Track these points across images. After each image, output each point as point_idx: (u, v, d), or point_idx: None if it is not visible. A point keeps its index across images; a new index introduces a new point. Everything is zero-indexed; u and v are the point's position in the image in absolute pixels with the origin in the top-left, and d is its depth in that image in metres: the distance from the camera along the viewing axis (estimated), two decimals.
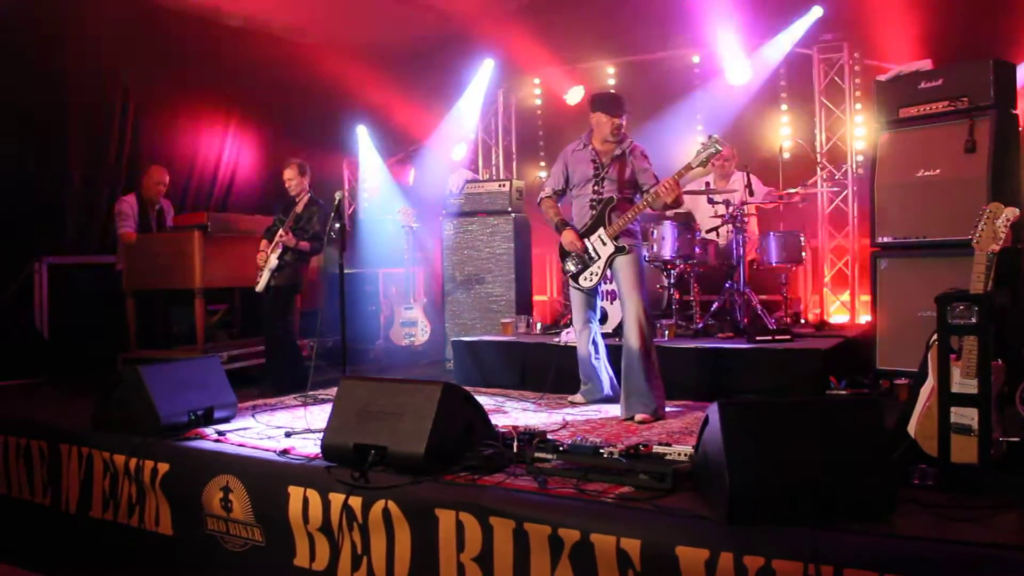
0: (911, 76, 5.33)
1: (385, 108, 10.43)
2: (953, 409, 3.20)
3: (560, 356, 6.08)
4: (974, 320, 3.18)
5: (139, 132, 8.63)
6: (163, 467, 4.26)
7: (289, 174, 6.53)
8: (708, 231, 7.17)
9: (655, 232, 6.75)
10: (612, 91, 5.56)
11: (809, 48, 8.36)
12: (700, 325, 6.63)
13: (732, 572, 2.70)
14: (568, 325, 6.54)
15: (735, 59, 8.62)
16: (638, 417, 4.86)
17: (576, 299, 5.41)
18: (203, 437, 4.50)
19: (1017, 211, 3.32)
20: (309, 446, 4.16)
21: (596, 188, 5.18)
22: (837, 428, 2.97)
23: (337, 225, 6.04)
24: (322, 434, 3.90)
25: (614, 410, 5.10)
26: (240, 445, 4.32)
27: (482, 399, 4.32)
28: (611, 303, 6.34)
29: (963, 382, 3.19)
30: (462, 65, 10.04)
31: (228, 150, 9.72)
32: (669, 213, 6.96)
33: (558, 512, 3.10)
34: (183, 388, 4.73)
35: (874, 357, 5.38)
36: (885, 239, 5.35)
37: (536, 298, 8.82)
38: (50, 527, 4.81)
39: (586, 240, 5.18)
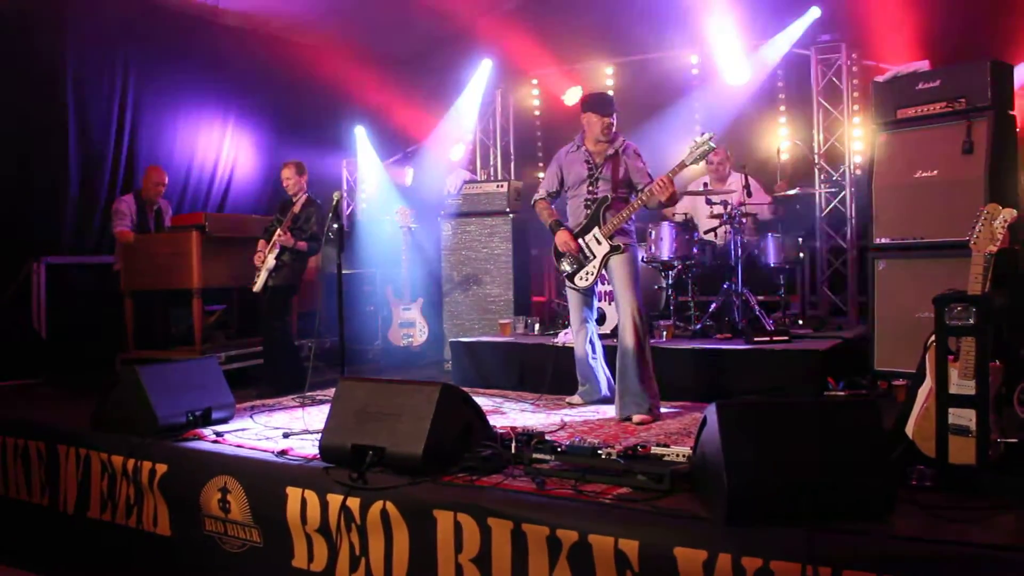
0: (909, 77, 5.33)
1: (383, 108, 10.44)
2: (951, 410, 3.20)
3: (558, 357, 6.08)
4: (972, 321, 3.18)
5: (137, 131, 8.62)
6: (161, 468, 4.25)
7: (287, 173, 6.53)
8: (706, 232, 7.17)
9: (653, 233, 6.75)
10: (602, 91, 5.56)
11: (807, 49, 8.36)
12: (698, 326, 6.63)
13: (730, 573, 2.70)
14: (566, 326, 6.54)
15: (733, 60, 8.62)
16: (636, 418, 4.86)
17: (573, 300, 5.41)
18: (201, 438, 4.49)
19: (1015, 212, 3.32)
20: (307, 447, 4.17)
21: (590, 188, 5.18)
22: (835, 429, 2.97)
23: (335, 225, 6.04)
24: (320, 435, 3.91)
25: (612, 411, 5.10)
26: (238, 446, 4.32)
27: (480, 400, 4.32)
28: (609, 304, 6.34)
29: (961, 383, 3.19)
30: (460, 66, 10.03)
31: (226, 150, 9.71)
32: (668, 213, 6.97)
33: (556, 513, 3.10)
34: (181, 389, 4.73)
35: (872, 358, 5.38)
36: (883, 240, 5.35)
37: (534, 299, 8.82)
38: (48, 528, 4.81)
39: (581, 240, 5.18)
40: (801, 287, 7.84)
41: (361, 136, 10.55)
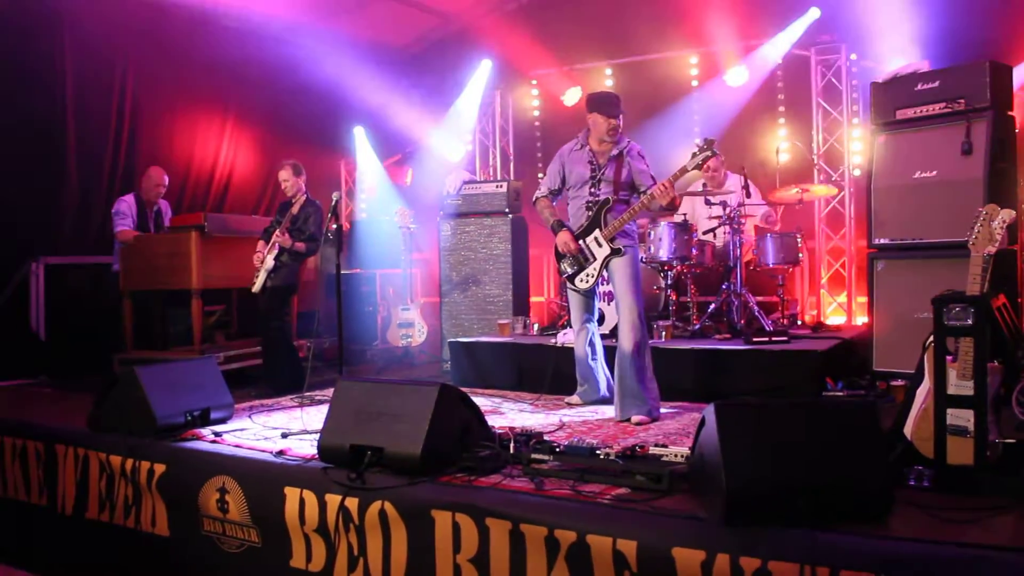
0: (908, 78, 5.33)
1: (383, 109, 10.43)
2: (949, 411, 3.20)
3: (557, 357, 6.07)
4: (970, 322, 3.18)
5: (136, 132, 8.62)
6: (159, 468, 4.25)
7: (284, 175, 6.53)
8: (705, 232, 7.17)
9: (652, 233, 6.75)
10: (609, 91, 5.55)
11: (806, 50, 8.37)
12: (697, 326, 6.63)
13: (728, 573, 2.70)
14: (565, 326, 6.54)
15: (732, 60, 8.63)
16: (635, 419, 4.85)
17: (574, 300, 5.41)
18: (200, 438, 4.49)
19: (1013, 213, 3.32)
20: (306, 447, 4.16)
21: (592, 190, 5.17)
22: (834, 429, 2.98)
23: (334, 226, 6.04)
24: (319, 435, 3.90)
25: (611, 411, 5.10)
26: (237, 446, 4.32)
27: (479, 400, 4.33)
28: (608, 304, 6.34)
29: (959, 384, 3.19)
30: (459, 66, 10.05)
31: (225, 150, 9.71)
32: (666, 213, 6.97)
33: (554, 513, 3.10)
34: (180, 389, 4.72)
35: (871, 358, 5.39)
36: (882, 241, 5.36)
37: (533, 299, 8.83)
38: (46, 528, 4.81)
39: (582, 241, 5.17)
40: (800, 287, 7.85)
41: (360, 136, 10.57)
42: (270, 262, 6.34)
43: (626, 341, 4.97)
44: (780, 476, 2.86)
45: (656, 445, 3.60)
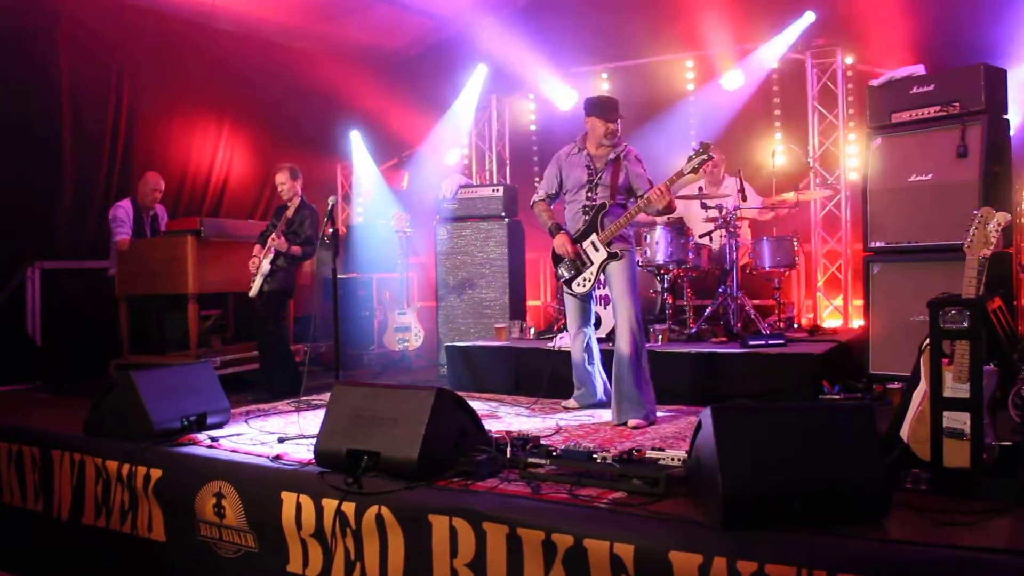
0: (903, 81, 5.35)
1: (379, 113, 10.44)
2: (945, 413, 3.20)
3: (554, 361, 6.08)
4: (966, 324, 3.19)
5: (132, 136, 8.61)
6: (156, 473, 4.24)
7: (281, 178, 6.52)
8: (701, 236, 7.18)
9: (648, 237, 6.76)
10: (606, 95, 5.56)
11: (802, 53, 8.38)
12: (694, 330, 6.63)
13: None
14: (562, 330, 6.54)
15: (728, 64, 8.64)
16: (631, 422, 4.85)
17: (570, 304, 5.41)
18: (196, 443, 4.49)
19: (1008, 216, 3.34)
20: (302, 452, 4.16)
21: (589, 194, 5.17)
22: (830, 432, 2.98)
23: (331, 230, 6.03)
24: (315, 440, 3.90)
25: (608, 415, 5.10)
26: (233, 451, 4.31)
27: (475, 404, 4.32)
28: (605, 308, 6.34)
29: (955, 386, 3.20)
30: (455, 70, 10.05)
31: (221, 154, 9.70)
32: (661, 218, 6.97)
33: (551, 517, 3.10)
34: (176, 394, 4.72)
35: (867, 361, 5.39)
36: (878, 244, 5.37)
37: (530, 303, 8.82)
38: (42, 534, 4.80)
39: (579, 245, 5.17)
40: (796, 291, 7.86)
41: (356, 141, 10.56)
42: (266, 266, 6.33)
43: (623, 345, 4.97)
44: (777, 479, 2.86)
45: (653, 449, 3.60)
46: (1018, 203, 6.11)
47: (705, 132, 8.66)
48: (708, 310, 6.80)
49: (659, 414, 5.07)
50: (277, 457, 4.08)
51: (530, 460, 3.59)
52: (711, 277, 7.15)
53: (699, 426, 3.19)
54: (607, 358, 5.34)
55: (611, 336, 5.32)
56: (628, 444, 4.27)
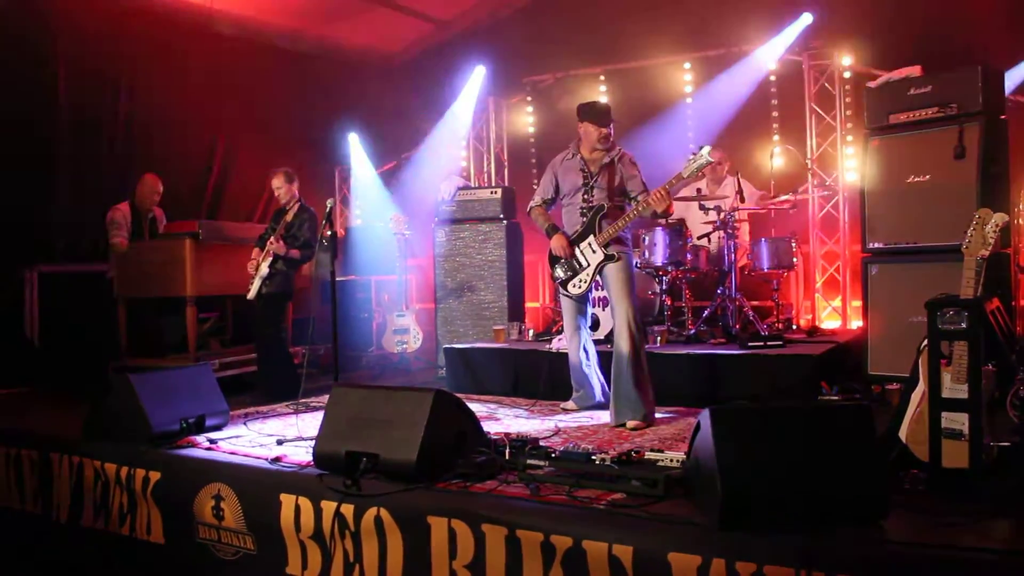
0: (901, 82, 5.35)
1: (377, 116, 10.45)
2: (944, 414, 3.21)
3: (552, 363, 6.08)
4: (964, 325, 3.19)
5: (131, 139, 8.61)
6: (154, 475, 4.24)
7: (277, 182, 6.52)
8: (699, 237, 7.18)
9: (646, 239, 6.76)
10: (599, 101, 5.57)
11: (799, 55, 8.39)
12: (692, 331, 6.64)
13: None
14: (560, 332, 6.54)
15: (725, 66, 8.65)
16: (630, 424, 4.86)
17: (567, 306, 5.41)
18: (195, 445, 4.48)
19: (1006, 217, 3.34)
20: (301, 454, 4.16)
21: (586, 196, 5.19)
22: (829, 434, 2.98)
23: (329, 232, 6.03)
24: (314, 442, 3.90)
25: (606, 416, 5.10)
26: (232, 453, 4.31)
27: (474, 406, 4.33)
28: (603, 310, 6.35)
29: (954, 387, 3.20)
30: (453, 73, 10.05)
31: (220, 157, 9.70)
32: (660, 220, 6.97)
33: (550, 519, 3.10)
34: (174, 396, 4.72)
35: (866, 362, 5.39)
36: (876, 245, 5.37)
37: (528, 305, 8.82)
38: (41, 536, 4.79)
39: (576, 247, 5.18)
40: (795, 292, 7.87)
41: (355, 143, 10.56)
42: (265, 269, 6.33)
43: (623, 346, 4.98)
44: (775, 481, 2.86)
45: (652, 450, 3.61)
46: (1015, 204, 6.12)
47: (703, 134, 8.67)
48: (707, 312, 6.81)
49: (658, 415, 5.07)
50: (276, 459, 4.08)
51: (529, 462, 3.59)
52: (709, 279, 7.15)
53: (698, 427, 3.19)
54: (606, 359, 5.34)
55: (610, 338, 5.32)
56: (627, 445, 4.27)
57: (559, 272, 5.28)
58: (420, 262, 9.50)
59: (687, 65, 9.30)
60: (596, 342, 5.67)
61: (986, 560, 2.52)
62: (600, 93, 9.52)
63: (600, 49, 9.52)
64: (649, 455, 3.54)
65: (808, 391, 5.33)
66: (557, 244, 5.23)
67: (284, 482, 3.81)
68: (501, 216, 7.85)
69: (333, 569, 3.58)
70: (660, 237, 6.70)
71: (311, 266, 8.25)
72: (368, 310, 9.15)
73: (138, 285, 7.09)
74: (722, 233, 6.87)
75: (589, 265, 5.14)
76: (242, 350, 7.26)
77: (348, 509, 3.52)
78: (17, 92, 7.55)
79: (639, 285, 6.04)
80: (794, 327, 7.07)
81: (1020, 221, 6.25)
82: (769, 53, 8.52)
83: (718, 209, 6.88)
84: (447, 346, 7.07)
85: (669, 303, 6.92)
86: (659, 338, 6.41)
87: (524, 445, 3.87)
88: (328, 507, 3.58)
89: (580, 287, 5.20)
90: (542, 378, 6.06)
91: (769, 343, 5.95)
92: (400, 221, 8.41)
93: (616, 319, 5.05)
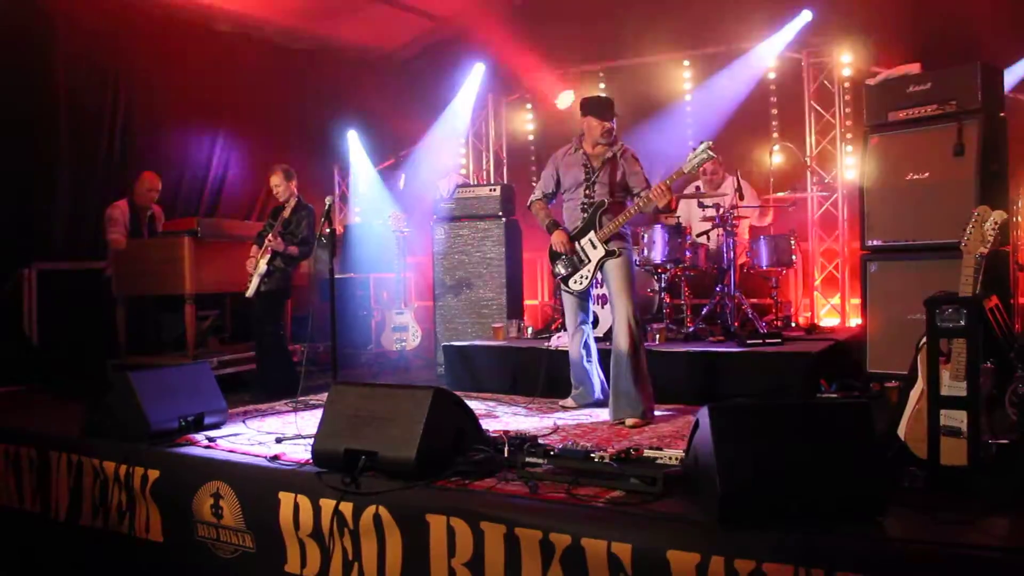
0: (900, 80, 5.35)
1: (376, 113, 10.43)
2: (943, 412, 3.21)
3: (551, 360, 6.08)
4: (963, 323, 3.19)
5: (129, 136, 8.59)
6: (153, 474, 4.24)
7: (275, 180, 6.52)
8: (699, 235, 7.18)
9: (646, 236, 6.76)
10: (602, 95, 5.57)
11: (799, 52, 8.39)
12: (691, 329, 6.63)
13: None
14: (559, 329, 6.54)
15: (724, 63, 8.64)
16: (629, 421, 4.85)
17: (568, 303, 5.41)
18: (193, 443, 4.48)
19: (1005, 214, 3.34)
20: (300, 452, 4.15)
21: (587, 192, 5.18)
22: (827, 431, 2.98)
23: (328, 230, 6.02)
24: (313, 440, 3.89)
25: (605, 414, 5.10)
26: (231, 451, 4.30)
27: (473, 404, 4.32)
28: (602, 307, 6.34)
29: (952, 384, 3.20)
30: (452, 70, 10.05)
31: (218, 154, 9.68)
32: (662, 217, 6.98)
33: (549, 517, 3.10)
34: (173, 394, 4.71)
35: (864, 360, 5.40)
36: (875, 242, 5.37)
37: (527, 302, 8.82)
38: (40, 535, 4.79)
39: (576, 243, 5.18)
40: (794, 290, 7.87)
41: (353, 140, 10.55)
42: (263, 267, 6.33)
43: (622, 343, 4.97)
44: (774, 478, 2.86)
45: (651, 448, 3.61)
46: (1014, 201, 6.12)
47: (702, 131, 8.66)
48: (705, 309, 6.81)
49: (657, 413, 5.07)
50: (275, 457, 4.08)
51: (528, 459, 3.59)
52: (708, 276, 7.15)
53: (696, 425, 3.19)
54: (605, 357, 5.34)
55: (609, 335, 5.32)
56: (626, 443, 4.27)
57: (560, 268, 5.28)
58: (419, 259, 9.49)
59: (686, 63, 9.30)
60: (596, 339, 5.66)
61: (985, 558, 2.52)
62: (599, 90, 9.51)
63: (599, 46, 9.52)
64: (648, 453, 3.54)
65: (807, 389, 5.33)
66: (558, 240, 5.23)
67: (283, 480, 3.80)
68: (500, 213, 7.85)
69: (332, 567, 3.58)
70: (659, 234, 6.70)
71: (310, 263, 8.26)
72: (367, 308, 9.15)
73: (137, 283, 7.08)
74: (721, 231, 6.87)
75: (590, 261, 5.14)
76: (241, 348, 7.26)
77: (347, 507, 3.52)
78: (16, 89, 7.53)
79: (638, 282, 6.04)
80: (793, 325, 7.07)
81: (1019, 218, 6.25)
82: (768, 51, 8.52)
83: (717, 207, 6.88)
84: (446, 344, 7.07)
85: (668, 300, 6.92)
86: (658, 336, 6.41)
87: (523, 443, 3.87)
88: (327, 505, 3.58)
89: (581, 283, 5.20)
90: (541, 376, 6.06)
91: (768, 341, 5.95)
92: (398, 218, 8.40)
93: (616, 316, 5.05)
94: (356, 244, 9.65)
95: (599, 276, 5.20)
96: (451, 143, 10.28)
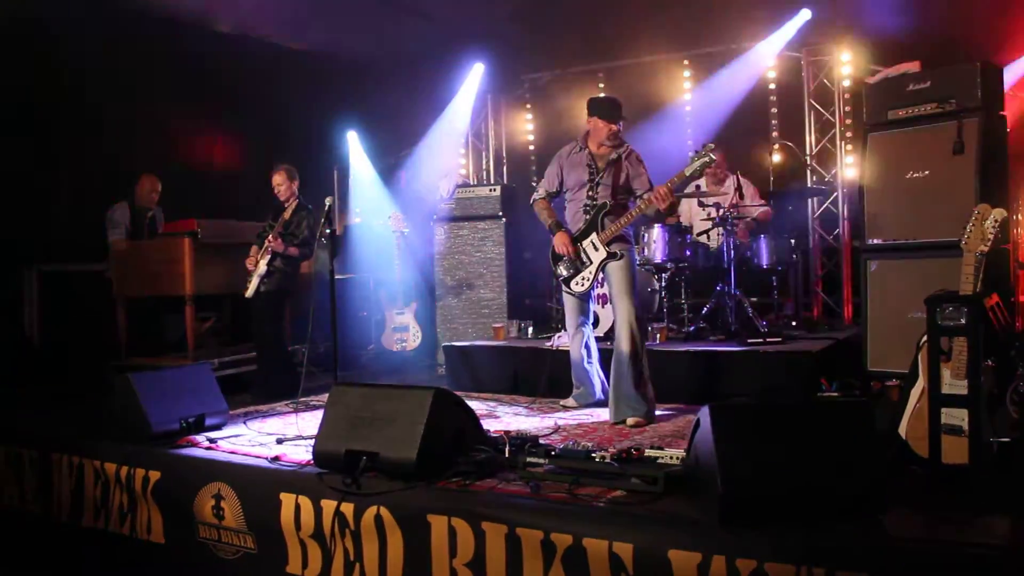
0: (899, 78, 5.34)
1: (376, 113, 10.42)
2: (944, 410, 3.21)
3: (552, 360, 6.08)
4: (964, 321, 3.19)
5: (130, 137, 8.59)
6: (154, 475, 4.24)
7: (278, 179, 6.52)
8: (699, 234, 7.18)
9: (646, 235, 6.76)
10: (611, 96, 5.56)
11: (798, 51, 8.39)
12: (691, 328, 6.63)
13: (724, 575, 2.70)
14: (560, 330, 6.54)
15: (723, 63, 8.64)
16: (630, 421, 4.85)
17: (568, 303, 5.41)
18: (194, 444, 4.48)
19: (1005, 212, 3.34)
20: (301, 453, 4.16)
21: (591, 193, 5.17)
22: (828, 430, 2.98)
23: (328, 230, 6.03)
24: (314, 440, 3.90)
25: (606, 414, 5.10)
26: (232, 452, 4.31)
27: (474, 404, 4.32)
28: (603, 307, 6.34)
29: (953, 383, 3.20)
30: (452, 70, 10.04)
31: (219, 155, 9.68)
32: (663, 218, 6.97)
33: (550, 517, 3.10)
34: (174, 395, 4.71)
35: (865, 359, 5.39)
36: (875, 241, 5.36)
37: (528, 302, 8.81)
38: (42, 536, 4.79)
39: (579, 244, 5.17)
40: (794, 288, 7.86)
41: (354, 141, 10.55)
42: (263, 267, 6.33)
43: (623, 344, 4.97)
44: (775, 477, 2.86)
45: (652, 447, 3.60)
46: (1014, 199, 6.11)
47: (702, 131, 8.67)
48: (706, 308, 6.80)
49: (657, 413, 5.07)
50: (276, 458, 4.08)
51: (529, 459, 3.59)
52: (709, 275, 7.14)
53: (697, 424, 3.19)
54: (606, 357, 5.34)
55: (610, 335, 5.32)
56: (627, 443, 4.28)
57: (562, 270, 5.27)
58: (419, 260, 9.49)
59: (686, 62, 9.29)
60: (596, 339, 5.66)
61: (986, 556, 2.52)
62: (599, 90, 9.51)
63: (599, 46, 9.51)
64: (649, 452, 3.53)
65: (807, 388, 5.33)
66: (560, 241, 5.22)
67: (284, 481, 3.81)
68: (500, 214, 7.85)
69: (333, 568, 3.58)
70: (660, 234, 6.70)
71: (310, 264, 8.26)
72: (367, 308, 9.15)
73: (137, 284, 7.09)
74: (721, 230, 6.87)
75: (592, 263, 5.13)
76: (241, 349, 7.26)
77: (348, 508, 3.52)
78: (18, 91, 7.53)
79: (639, 282, 6.04)
80: (793, 324, 7.07)
81: (1019, 216, 6.25)
82: (768, 50, 8.52)
83: (717, 206, 6.88)
84: (446, 344, 7.07)
85: (668, 300, 6.91)
86: (658, 335, 6.40)
87: (524, 443, 3.87)
88: (328, 506, 3.58)
89: (583, 284, 5.20)
90: (541, 376, 6.06)
91: (768, 340, 5.95)
92: (399, 219, 8.40)
93: (617, 317, 5.05)
94: (356, 244, 9.65)
95: (601, 277, 5.20)
96: (451, 143, 10.28)
